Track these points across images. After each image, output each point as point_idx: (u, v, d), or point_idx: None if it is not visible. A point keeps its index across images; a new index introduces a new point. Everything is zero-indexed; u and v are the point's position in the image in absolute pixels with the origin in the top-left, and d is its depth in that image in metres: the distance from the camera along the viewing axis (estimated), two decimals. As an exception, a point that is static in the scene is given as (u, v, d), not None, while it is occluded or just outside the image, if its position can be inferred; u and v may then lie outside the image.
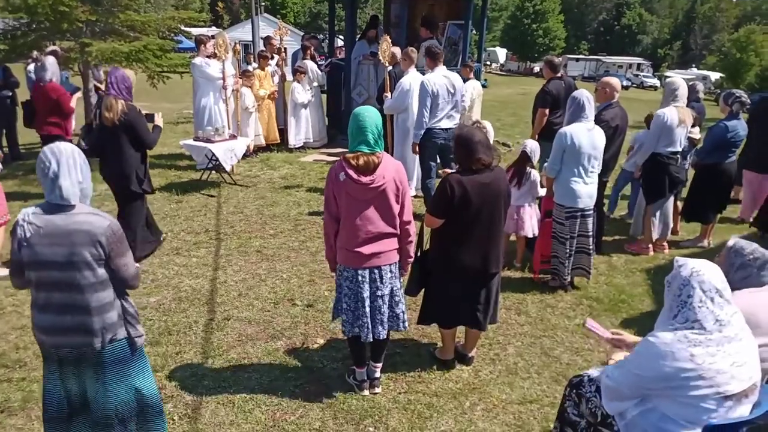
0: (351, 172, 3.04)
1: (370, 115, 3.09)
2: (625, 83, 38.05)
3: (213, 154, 7.50)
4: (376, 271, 3.23)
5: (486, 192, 3.37)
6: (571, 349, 4.12)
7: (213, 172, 7.93)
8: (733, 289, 2.18)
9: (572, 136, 4.60)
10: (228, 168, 7.82)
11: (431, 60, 6.39)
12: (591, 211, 4.83)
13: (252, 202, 7.19)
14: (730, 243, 2.77)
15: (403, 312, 3.38)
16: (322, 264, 5.28)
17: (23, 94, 8.87)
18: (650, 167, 5.72)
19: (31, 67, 9.04)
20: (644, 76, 53.68)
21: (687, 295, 2.06)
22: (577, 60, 58.08)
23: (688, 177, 6.50)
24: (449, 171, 3.73)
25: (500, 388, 3.61)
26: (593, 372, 2.63)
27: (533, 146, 5.28)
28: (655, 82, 50.53)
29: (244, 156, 8.75)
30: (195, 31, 14.22)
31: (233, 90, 8.45)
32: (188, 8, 10.50)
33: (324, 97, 10.82)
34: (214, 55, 8.36)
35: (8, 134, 8.94)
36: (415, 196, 7.21)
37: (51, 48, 8.31)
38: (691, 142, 6.46)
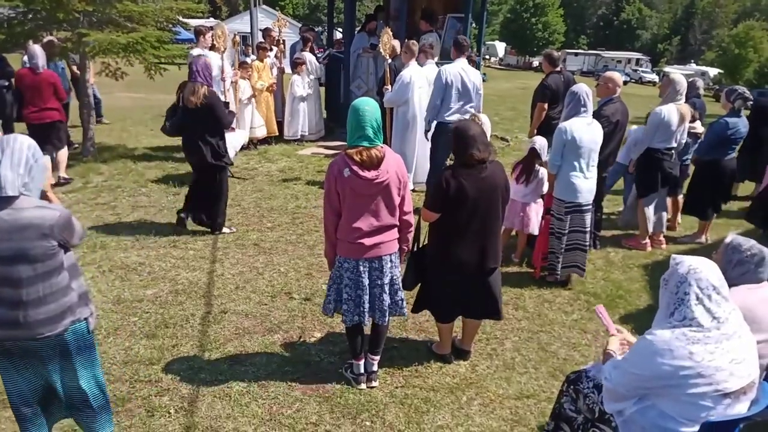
0: (356, 168, 3.03)
1: (369, 108, 3.07)
2: (623, 78, 38.01)
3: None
4: (376, 261, 3.25)
5: (483, 186, 3.35)
6: (568, 345, 4.12)
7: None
8: (730, 285, 2.17)
9: (572, 131, 4.58)
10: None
11: (456, 50, 6.47)
12: (590, 206, 4.82)
13: (249, 195, 7.17)
14: (728, 239, 2.76)
15: (402, 299, 3.42)
16: (319, 257, 5.27)
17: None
18: (644, 162, 5.72)
19: (26, 58, 9.01)
20: (643, 72, 53.55)
21: (684, 292, 2.05)
22: (576, 54, 57.93)
23: (689, 173, 6.50)
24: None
25: (497, 383, 3.61)
26: (591, 369, 2.63)
27: (542, 143, 5.24)
28: (654, 77, 50.36)
29: (242, 148, 8.72)
30: (193, 22, 14.13)
31: (231, 82, 8.40)
32: (186, -1, 10.43)
33: (322, 90, 10.77)
34: (213, 47, 8.32)
35: (4, 124, 8.87)
36: (414, 190, 7.20)
37: (48, 38, 8.25)
38: (695, 136, 6.45)
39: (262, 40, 10.28)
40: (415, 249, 3.69)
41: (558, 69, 6.96)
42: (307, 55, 9.90)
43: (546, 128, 6.41)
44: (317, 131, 10.37)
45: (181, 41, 15.30)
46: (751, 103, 6.21)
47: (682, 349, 2.00)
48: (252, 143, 9.35)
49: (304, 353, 3.83)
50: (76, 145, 9.13)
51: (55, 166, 7.11)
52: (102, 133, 10.17)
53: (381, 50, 7.25)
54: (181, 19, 9.95)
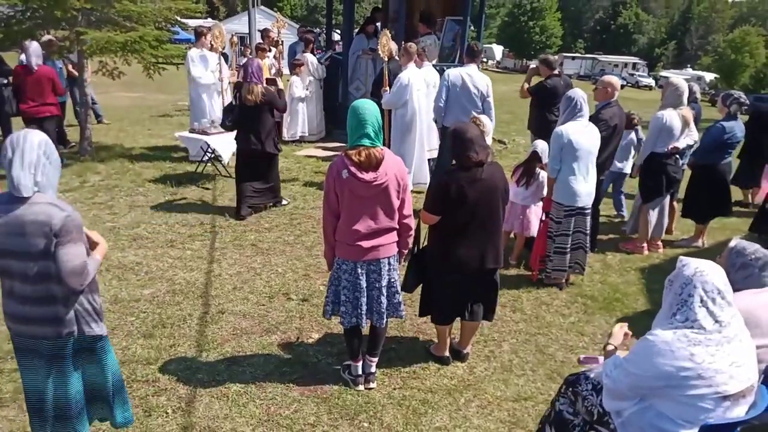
0: (354, 170, 3.01)
1: (369, 108, 3.07)
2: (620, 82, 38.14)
3: (209, 146, 7.45)
4: (374, 264, 3.24)
5: (482, 188, 3.35)
6: (566, 347, 4.12)
7: (208, 164, 7.89)
8: (733, 289, 2.18)
9: (568, 134, 4.59)
10: (224, 160, 7.78)
11: (468, 56, 6.61)
12: (589, 210, 4.84)
13: (247, 196, 7.15)
14: (732, 243, 2.77)
15: (400, 302, 3.41)
16: (317, 258, 5.27)
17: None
18: (648, 166, 5.72)
19: (23, 57, 8.99)
20: (639, 76, 53.72)
21: (688, 294, 2.05)
22: (573, 58, 58.06)
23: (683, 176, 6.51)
24: None
25: (495, 385, 3.61)
26: (590, 372, 2.63)
27: (543, 147, 5.24)
28: (651, 81, 50.57)
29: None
30: (191, 22, 14.12)
31: (229, 82, 8.39)
32: (184, -1, 10.39)
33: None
34: (212, 47, 8.31)
35: (2, 122, 8.84)
36: (412, 192, 7.18)
37: (46, 37, 8.23)
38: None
39: (261, 41, 10.28)
40: (415, 251, 3.69)
41: (556, 72, 6.98)
42: (309, 57, 9.90)
43: (547, 131, 6.41)
44: (318, 132, 10.37)
45: (180, 41, 15.31)
46: (746, 108, 6.24)
47: (683, 350, 2.00)
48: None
49: (302, 354, 3.83)
50: (73, 144, 9.11)
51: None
52: (99, 133, 10.14)
53: (379, 52, 7.25)
54: (179, 19, 9.94)
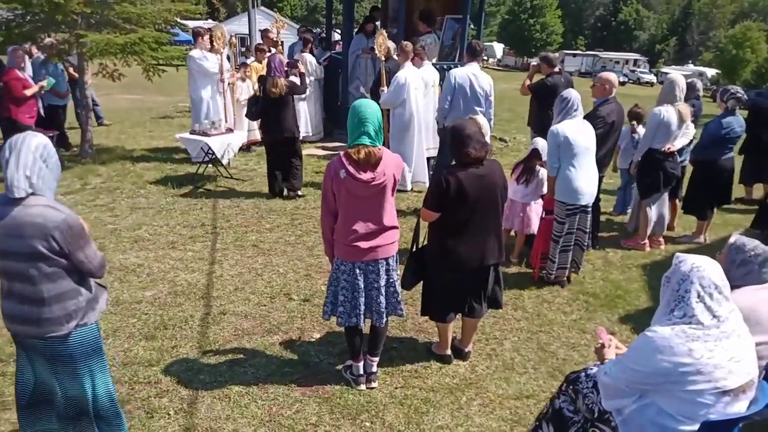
0: (351, 169, 3.01)
1: (370, 107, 3.08)
2: (621, 79, 37.99)
3: (209, 148, 7.46)
4: (372, 264, 3.24)
5: (481, 185, 3.35)
6: (568, 345, 4.12)
7: (209, 165, 7.90)
8: (733, 285, 2.17)
9: (564, 132, 4.58)
10: (225, 162, 7.79)
11: (468, 54, 6.57)
12: (590, 208, 4.83)
13: (248, 196, 7.16)
14: (732, 239, 2.77)
15: (399, 300, 3.41)
16: (318, 258, 5.27)
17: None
18: (646, 163, 5.71)
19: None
20: (641, 72, 53.61)
21: (685, 290, 2.05)
22: (575, 56, 57.95)
23: (685, 173, 6.51)
24: None
25: (497, 383, 3.61)
26: (591, 368, 2.63)
27: (544, 144, 5.22)
28: (652, 78, 50.46)
29: (240, 150, 8.71)
30: (191, 23, 14.12)
31: (230, 83, 8.40)
32: (184, 0, 10.34)
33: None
34: (211, 48, 8.30)
35: (2, 125, 8.86)
36: (412, 190, 7.21)
37: (47, 40, 8.25)
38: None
39: (261, 42, 10.29)
40: (414, 249, 3.69)
41: (557, 69, 6.98)
42: (308, 57, 9.89)
43: (547, 129, 6.40)
44: (317, 132, 10.37)
45: (180, 43, 15.31)
46: (743, 104, 6.22)
47: (682, 346, 2.00)
48: (250, 145, 9.34)
49: (304, 354, 3.83)
50: (75, 148, 9.13)
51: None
52: (100, 135, 10.17)
53: (376, 51, 7.26)
54: (179, 20, 9.95)
